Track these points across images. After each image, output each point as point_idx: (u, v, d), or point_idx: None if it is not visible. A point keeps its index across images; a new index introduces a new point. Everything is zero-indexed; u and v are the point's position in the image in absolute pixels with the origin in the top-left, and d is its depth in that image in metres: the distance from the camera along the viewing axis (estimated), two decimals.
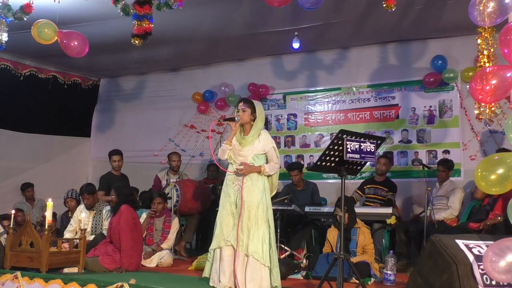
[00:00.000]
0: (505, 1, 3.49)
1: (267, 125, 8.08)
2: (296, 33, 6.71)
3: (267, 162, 4.51)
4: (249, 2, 5.88)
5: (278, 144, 7.95)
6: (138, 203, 6.01)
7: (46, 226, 4.93)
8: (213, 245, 4.47)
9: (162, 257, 5.93)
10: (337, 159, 3.99)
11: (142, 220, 6.10)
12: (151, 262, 5.86)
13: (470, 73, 6.55)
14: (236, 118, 4.46)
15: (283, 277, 4.78)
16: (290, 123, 8.04)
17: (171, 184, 6.72)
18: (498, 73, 3.45)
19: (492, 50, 3.73)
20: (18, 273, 4.80)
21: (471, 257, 3.20)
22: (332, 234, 5.47)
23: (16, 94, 7.98)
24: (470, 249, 3.28)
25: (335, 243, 5.37)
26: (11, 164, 8.20)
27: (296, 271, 5.28)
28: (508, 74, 3.41)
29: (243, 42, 7.34)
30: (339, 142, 3.92)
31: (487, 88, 3.45)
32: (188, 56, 8.12)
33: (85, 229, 5.26)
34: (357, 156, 3.95)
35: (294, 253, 6.02)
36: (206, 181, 7.72)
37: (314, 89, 7.89)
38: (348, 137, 3.91)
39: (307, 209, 6.15)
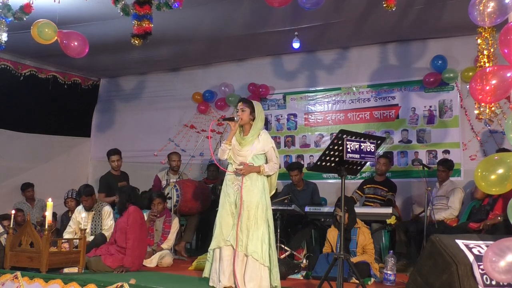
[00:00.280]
0: (505, 1, 3.49)
1: (267, 125, 8.08)
2: (296, 33, 6.71)
3: (266, 162, 4.51)
4: (249, 2, 5.88)
5: (278, 144, 7.96)
6: (142, 200, 6.03)
7: (46, 226, 4.93)
8: (212, 245, 4.48)
9: (163, 257, 5.93)
10: (337, 159, 3.99)
11: None
12: (151, 262, 5.86)
13: (470, 73, 6.55)
14: (235, 118, 4.47)
15: (283, 277, 4.78)
16: (290, 123, 8.04)
17: (171, 184, 6.71)
18: (498, 73, 3.44)
19: (492, 50, 3.73)
20: (18, 273, 4.81)
21: (471, 257, 3.20)
22: (332, 234, 5.47)
23: (16, 94, 7.97)
24: (470, 249, 3.28)
25: (335, 243, 5.37)
26: (11, 164, 8.19)
27: (296, 271, 5.28)
28: (508, 74, 3.41)
29: (243, 42, 7.34)
30: (339, 142, 3.92)
31: (487, 88, 3.45)
32: (188, 56, 8.12)
33: (85, 229, 5.26)
34: (357, 156, 3.95)
35: (294, 253, 6.03)
36: (206, 181, 7.72)
37: (314, 89, 7.89)
38: (348, 137, 3.91)
39: (307, 209, 6.16)
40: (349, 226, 5.30)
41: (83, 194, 5.97)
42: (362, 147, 3.97)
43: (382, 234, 6.04)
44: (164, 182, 7.21)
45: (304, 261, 5.89)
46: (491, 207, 5.38)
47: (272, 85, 8.13)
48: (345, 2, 5.78)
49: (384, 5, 4.55)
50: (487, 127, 6.59)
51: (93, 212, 6.10)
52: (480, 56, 3.77)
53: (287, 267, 5.09)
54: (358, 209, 5.69)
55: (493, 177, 3.31)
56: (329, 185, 7.34)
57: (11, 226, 5.29)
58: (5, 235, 5.45)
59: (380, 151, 7.10)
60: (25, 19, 5.41)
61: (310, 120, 7.89)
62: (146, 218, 6.19)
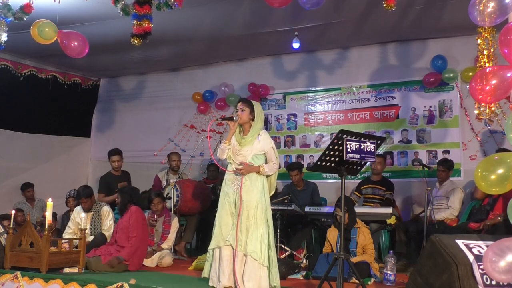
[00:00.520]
0: (505, 1, 3.49)
1: (267, 125, 8.08)
2: (296, 33, 6.71)
3: (266, 162, 4.51)
4: (249, 2, 5.88)
5: (278, 144, 7.96)
6: (143, 200, 6.04)
7: (46, 226, 4.93)
8: (212, 245, 4.48)
9: (163, 257, 5.93)
10: (337, 159, 3.99)
11: None
12: (151, 262, 5.86)
13: (470, 73, 6.55)
14: (234, 118, 4.47)
15: (283, 277, 4.78)
16: (290, 123, 8.04)
17: (171, 184, 6.71)
18: (498, 73, 3.44)
19: (492, 50, 3.73)
20: (18, 273, 4.80)
21: (471, 257, 3.20)
22: (332, 234, 5.47)
23: (16, 94, 7.97)
24: (470, 249, 3.28)
25: (335, 243, 5.37)
26: (11, 164, 8.19)
27: (296, 271, 5.28)
28: (508, 74, 3.41)
29: (243, 42, 7.34)
30: (339, 142, 3.92)
31: (487, 88, 3.45)
32: (188, 56, 8.12)
33: (85, 229, 5.26)
34: (357, 156, 3.95)
35: (294, 253, 6.02)
36: (206, 181, 7.72)
37: (314, 89, 7.89)
38: (348, 137, 3.91)
39: (307, 209, 6.15)
40: (349, 226, 5.30)
41: (82, 196, 5.96)
42: (362, 147, 3.97)
43: (382, 234, 6.04)
44: (164, 182, 7.21)
45: (304, 261, 5.89)
46: (491, 207, 5.38)
47: (272, 85, 8.13)
48: (345, 2, 5.78)
49: (384, 5, 4.55)
50: (487, 127, 6.59)
51: (92, 213, 6.09)
52: (480, 56, 3.77)
53: (287, 267, 5.09)
54: (358, 209, 5.68)
55: (493, 177, 3.31)
56: (329, 185, 7.34)
57: (11, 226, 5.29)
58: (5, 235, 5.44)
59: (380, 151, 7.10)
60: (25, 19, 5.41)
61: (310, 120, 7.89)
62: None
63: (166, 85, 8.96)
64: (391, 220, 5.87)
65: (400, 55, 7.32)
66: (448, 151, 6.91)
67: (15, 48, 6.93)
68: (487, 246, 3.21)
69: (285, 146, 8.03)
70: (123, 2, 5.09)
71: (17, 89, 8.01)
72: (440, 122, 7.04)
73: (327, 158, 3.99)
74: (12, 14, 5.34)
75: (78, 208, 6.06)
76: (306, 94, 7.94)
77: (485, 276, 3.10)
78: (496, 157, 3.45)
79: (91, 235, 6.01)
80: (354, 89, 7.59)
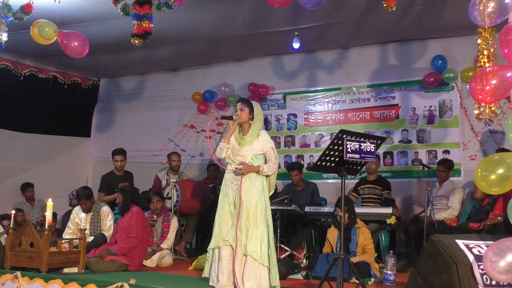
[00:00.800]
0: (505, 1, 3.48)
1: (267, 125, 8.08)
2: (296, 33, 6.71)
3: (265, 162, 4.51)
4: (249, 2, 5.88)
5: (278, 144, 7.96)
6: (144, 201, 6.04)
7: (46, 226, 4.93)
8: (211, 245, 4.48)
9: (163, 257, 5.94)
10: (337, 159, 3.99)
11: None
12: (151, 262, 5.87)
13: (470, 73, 6.55)
14: (234, 117, 4.47)
15: (283, 277, 4.79)
16: (290, 123, 8.04)
17: (171, 184, 6.71)
18: (498, 73, 3.44)
19: (492, 50, 3.73)
20: (18, 273, 4.80)
21: (471, 257, 3.20)
22: (332, 234, 5.47)
23: (16, 94, 7.97)
24: (470, 249, 3.27)
25: (335, 243, 5.37)
26: (11, 164, 8.19)
27: (296, 271, 5.29)
28: (508, 74, 3.41)
29: (243, 42, 7.34)
30: (339, 142, 3.92)
31: (487, 88, 3.45)
32: (188, 56, 8.12)
33: (85, 229, 5.26)
34: (357, 156, 3.95)
35: (294, 253, 6.02)
36: (206, 181, 7.73)
37: (314, 89, 7.89)
38: (348, 137, 3.91)
39: (307, 209, 6.15)
40: (349, 226, 5.30)
41: (82, 198, 5.96)
42: (362, 147, 3.98)
43: (382, 234, 6.04)
44: (164, 182, 7.21)
45: (304, 261, 5.89)
46: (491, 207, 5.38)
47: (272, 85, 8.13)
48: (345, 2, 5.78)
49: (384, 5, 4.55)
50: (487, 127, 6.59)
51: (92, 213, 6.09)
52: (480, 56, 3.77)
53: (287, 267, 5.09)
54: (358, 209, 5.69)
55: (493, 177, 3.31)
56: (329, 185, 7.34)
57: (11, 226, 5.29)
58: (5, 235, 5.44)
59: (380, 151, 7.11)
60: (25, 19, 5.41)
61: (310, 120, 7.89)
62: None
63: (166, 85, 8.96)
64: (391, 220, 5.88)
65: (400, 55, 7.32)
66: (448, 151, 6.91)
67: (15, 48, 6.93)
68: (487, 246, 3.21)
69: (285, 146, 8.03)
70: (123, 2, 5.09)
71: (17, 89, 8.01)
72: (440, 122, 7.04)
73: (327, 158, 3.99)
74: (12, 14, 5.34)
75: (78, 208, 6.05)
76: (306, 94, 7.94)
77: (485, 276, 3.10)
78: (496, 157, 3.45)
79: (90, 235, 6.01)
80: (354, 89, 7.59)
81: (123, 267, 5.33)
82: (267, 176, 4.53)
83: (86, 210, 5.96)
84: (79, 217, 5.70)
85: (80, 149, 9.40)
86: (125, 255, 5.38)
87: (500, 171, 3.29)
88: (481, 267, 3.10)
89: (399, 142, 7.27)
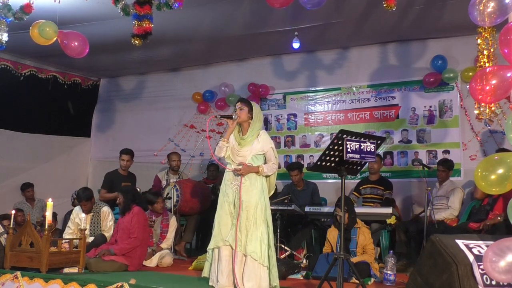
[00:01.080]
0: (505, 1, 3.48)
1: (267, 125, 8.09)
2: (296, 33, 6.71)
3: (265, 162, 4.51)
4: (249, 2, 5.88)
5: (278, 144, 7.96)
6: (145, 202, 6.05)
7: (46, 226, 4.93)
8: (211, 245, 4.48)
9: (163, 257, 5.94)
10: (337, 159, 3.99)
11: None
12: (151, 262, 5.87)
13: (470, 73, 6.55)
14: (233, 116, 4.48)
15: (283, 277, 4.79)
16: (290, 123, 8.04)
17: (171, 184, 6.71)
18: (498, 73, 3.44)
19: (492, 50, 3.72)
20: (18, 273, 4.80)
21: (471, 257, 3.20)
22: (332, 234, 5.47)
23: (16, 94, 7.97)
24: (470, 249, 3.27)
25: (335, 243, 5.37)
26: (11, 164, 8.19)
27: (296, 271, 5.28)
28: (508, 74, 3.41)
29: (243, 42, 7.34)
30: (339, 142, 3.92)
31: (487, 88, 3.45)
32: (188, 56, 8.12)
33: (85, 229, 5.26)
34: (357, 156, 3.95)
35: (294, 253, 6.02)
36: (206, 181, 7.73)
37: (314, 89, 7.89)
38: (348, 137, 3.91)
39: (307, 209, 6.15)
40: (349, 226, 5.30)
41: (83, 199, 5.96)
42: (362, 147, 3.98)
43: (382, 234, 6.04)
44: (164, 182, 7.21)
45: (304, 261, 5.89)
46: (491, 207, 5.38)
47: (272, 85, 8.13)
48: (345, 2, 5.78)
49: (384, 5, 4.55)
50: (487, 127, 6.59)
51: (92, 214, 6.09)
52: (480, 56, 3.77)
53: (287, 267, 5.09)
54: (358, 209, 5.69)
55: (493, 177, 3.31)
56: (329, 185, 7.34)
57: (11, 226, 5.29)
58: (5, 235, 5.44)
59: (380, 151, 7.10)
60: (25, 19, 5.41)
61: (310, 120, 7.89)
62: None
63: (166, 85, 8.96)
64: (391, 220, 5.88)
65: (400, 55, 7.32)
66: (448, 151, 6.91)
67: (15, 48, 6.92)
68: (487, 246, 3.21)
69: (285, 146, 8.03)
70: (123, 2, 5.09)
71: (17, 89, 8.01)
72: (440, 122, 7.04)
73: (327, 158, 3.99)
74: (12, 14, 5.34)
75: (78, 209, 6.05)
76: (306, 94, 7.94)
77: (485, 276, 3.10)
78: (496, 157, 3.45)
79: (90, 235, 6.01)
80: (354, 89, 7.59)
81: (123, 267, 5.33)
82: (267, 176, 4.53)
83: (87, 211, 5.96)
84: (79, 217, 5.70)
85: (80, 149, 9.40)
86: (125, 255, 5.38)
87: (500, 171, 3.29)
88: (481, 267, 3.10)
89: (399, 142, 7.27)
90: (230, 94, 8.32)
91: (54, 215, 7.31)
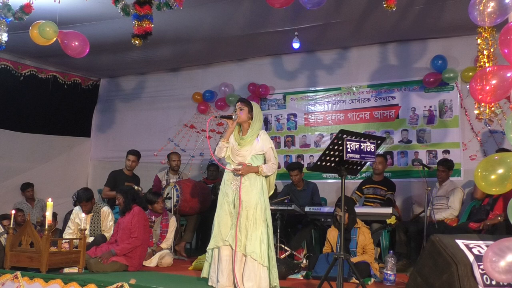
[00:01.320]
0: (505, 1, 3.49)
1: (267, 125, 8.09)
2: (296, 33, 6.70)
3: (265, 162, 4.51)
4: (249, 2, 5.88)
5: (278, 144, 7.96)
6: (145, 202, 6.06)
7: (46, 226, 4.93)
8: (210, 245, 4.48)
9: (162, 257, 5.94)
10: (337, 159, 3.99)
11: None
12: (151, 262, 5.87)
13: (470, 73, 6.55)
14: (233, 116, 4.47)
15: (283, 277, 4.79)
16: (290, 123, 8.04)
17: (171, 184, 6.72)
18: (498, 73, 3.45)
19: (492, 50, 3.72)
20: (18, 273, 4.80)
21: (471, 257, 3.21)
22: (332, 234, 5.47)
23: (16, 94, 7.98)
24: (470, 249, 3.28)
25: (335, 243, 5.37)
26: (11, 164, 8.19)
27: (296, 271, 5.28)
28: (508, 74, 3.41)
29: (243, 42, 7.34)
30: (339, 142, 3.92)
31: (487, 88, 3.45)
32: (188, 56, 8.12)
33: (85, 229, 5.26)
34: (357, 156, 3.95)
35: (294, 253, 6.02)
36: (206, 181, 7.73)
37: (314, 89, 7.89)
38: (348, 137, 3.91)
39: (307, 209, 6.15)
40: (349, 226, 5.29)
41: (83, 200, 5.96)
42: (362, 147, 3.98)
43: (382, 234, 6.04)
44: (164, 182, 7.21)
45: (304, 261, 5.89)
46: (491, 207, 5.38)
47: (272, 85, 8.13)
48: (345, 2, 5.78)
49: (384, 5, 4.55)
50: (487, 127, 6.59)
51: (92, 214, 6.09)
52: (480, 56, 3.76)
53: (287, 267, 5.09)
54: (358, 209, 5.69)
55: (493, 177, 3.31)
56: (329, 185, 7.34)
57: (11, 226, 5.29)
58: (5, 235, 5.45)
59: (380, 151, 7.10)
60: (25, 19, 5.41)
61: (310, 120, 7.89)
62: None
63: (166, 85, 8.96)
64: (391, 220, 5.87)
65: (400, 55, 7.32)
66: (448, 151, 6.91)
67: (15, 48, 6.93)
68: (487, 246, 3.21)
69: (285, 146, 8.03)
70: (123, 2, 5.09)
71: (17, 89, 8.02)
72: (440, 122, 7.04)
73: (327, 158, 3.99)
74: (12, 14, 5.34)
75: (78, 209, 6.05)
76: (306, 94, 7.94)
77: (485, 276, 3.10)
78: (496, 157, 3.45)
79: (90, 235, 6.01)
80: (354, 89, 7.59)
81: (123, 267, 5.33)
82: (266, 176, 4.53)
83: (87, 211, 5.96)
84: (79, 217, 5.70)
85: (80, 149, 9.40)
86: (126, 256, 5.38)
87: (500, 171, 3.29)
88: (481, 267, 3.10)
89: (399, 142, 7.27)
90: (230, 94, 8.33)
91: (54, 215, 7.32)
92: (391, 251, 5.04)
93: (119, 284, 4.28)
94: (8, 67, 7.81)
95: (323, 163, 4.01)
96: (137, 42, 5.22)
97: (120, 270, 5.27)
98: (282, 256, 5.65)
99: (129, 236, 5.43)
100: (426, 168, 6.03)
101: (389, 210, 5.85)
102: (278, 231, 5.78)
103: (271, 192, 4.69)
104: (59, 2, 5.27)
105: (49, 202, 5.03)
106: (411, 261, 5.69)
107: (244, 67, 8.36)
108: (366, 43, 7.46)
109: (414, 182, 7.01)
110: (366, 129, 7.34)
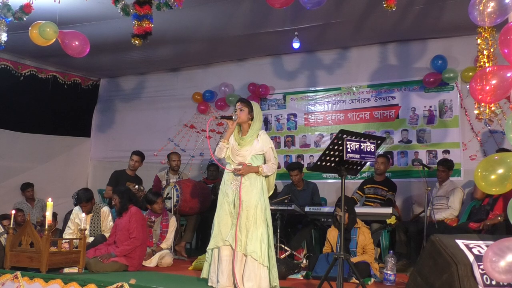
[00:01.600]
0: (505, 1, 3.49)
1: (267, 125, 8.09)
2: (296, 33, 6.71)
3: (265, 162, 4.51)
4: (249, 2, 5.88)
5: (278, 144, 7.96)
6: (141, 202, 6.05)
7: (46, 226, 4.93)
8: (211, 245, 4.48)
9: (162, 257, 5.94)
10: (337, 159, 3.99)
11: None
12: (151, 262, 5.87)
13: (470, 73, 6.55)
14: (233, 117, 4.47)
15: (283, 277, 4.79)
16: (290, 123, 8.04)
17: (171, 184, 6.72)
18: (498, 73, 3.45)
19: (492, 50, 3.72)
20: (18, 273, 4.80)
21: (471, 257, 3.20)
22: (332, 234, 5.47)
23: (16, 94, 7.97)
24: (470, 249, 3.28)
25: (335, 243, 5.37)
26: (11, 164, 8.19)
27: (296, 271, 5.28)
28: (508, 74, 3.41)
29: (243, 42, 7.34)
30: (339, 142, 3.92)
31: (487, 88, 3.45)
32: (188, 56, 8.12)
33: (85, 229, 5.26)
34: (357, 156, 3.95)
35: (294, 253, 6.02)
36: (206, 181, 7.73)
37: (314, 89, 7.89)
38: (348, 137, 3.91)
39: (307, 209, 6.15)
40: (349, 226, 5.29)
41: (83, 200, 5.96)
42: (362, 147, 3.98)
43: (382, 234, 6.04)
44: (164, 182, 7.21)
45: (304, 261, 5.89)
46: (491, 207, 5.38)
47: (272, 85, 8.13)
48: (345, 2, 5.78)
49: (384, 5, 4.54)
50: (487, 127, 6.59)
51: (92, 214, 6.10)
52: (480, 56, 3.76)
53: (287, 267, 5.09)
54: (358, 209, 5.69)
55: (493, 177, 3.31)
56: (329, 185, 7.34)
57: (11, 226, 5.29)
58: (5, 235, 5.44)
59: (380, 151, 7.10)
60: (25, 19, 5.41)
61: (310, 120, 7.89)
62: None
63: (166, 85, 8.96)
64: (391, 220, 5.87)
65: (400, 55, 7.32)
66: (448, 151, 6.91)
67: (15, 48, 6.93)
68: (487, 246, 3.21)
69: (285, 146, 8.03)
70: (123, 2, 5.09)
71: (17, 89, 8.01)
72: (440, 122, 7.03)
73: (327, 158, 3.99)
74: (12, 14, 5.34)
75: (78, 209, 6.05)
76: (306, 94, 7.94)
77: (485, 276, 3.10)
78: (496, 157, 3.45)
79: (90, 235, 6.01)
80: (354, 89, 7.59)
81: (123, 267, 5.33)
82: (266, 176, 4.53)
83: (87, 211, 5.97)
84: (79, 218, 5.70)
85: (80, 149, 9.40)
86: (126, 256, 5.38)
87: (500, 171, 3.29)
88: (481, 267, 3.10)
89: (399, 142, 7.27)
90: (230, 94, 8.32)
91: (54, 215, 7.32)
92: (391, 251, 5.04)
93: (119, 284, 4.28)
94: (8, 67, 7.81)
95: (323, 163, 4.01)
96: (137, 42, 5.22)
97: (120, 270, 5.27)
98: (282, 256, 5.65)
99: (128, 237, 5.43)
100: (426, 168, 6.03)
101: (389, 210, 5.85)
102: (278, 231, 5.78)
103: (271, 192, 4.69)
104: (59, 2, 5.27)
105: (49, 202, 5.03)
106: (411, 261, 5.69)
107: (244, 67, 8.36)
108: (366, 43, 7.46)
109: (414, 182, 7.01)
110: (366, 129, 7.34)
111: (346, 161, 3.98)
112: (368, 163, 5.68)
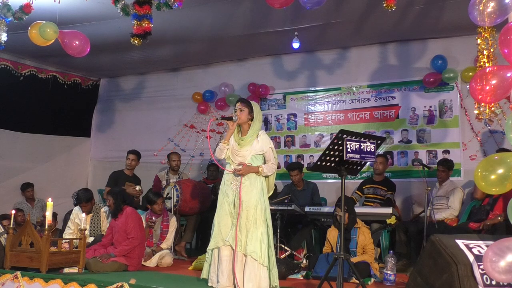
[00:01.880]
0: (505, 1, 3.49)
1: (267, 125, 8.09)
2: (296, 33, 6.71)
3: (264, 162, 4.51)
4: (249, 2, 5.88)
5: (278, 144, 7.96)
6: (135, 202, 6.04)
7: (46, 226, 4.93)
8: (211, 245, 4.47)
9: (162, 257, 5.94)
10: (337, 159, 3.99)
11: None
12: (151, 262, 5.87)
13: (470, 73, 6.55)
14: (234, 118, 4.47)
15: (283, 277, 4.79)
16: (290, 123, 8.04)
17: (171, 184, 6.72)
18: (498, 73, 3.45)
19: (492, 50, 3.72)
20: (18, 273, 4.80)
21: (471, 257, 3.20)
22: (332, 234, 5.47)
23: (16, 94, 7.97)
24: (470, 249, 3.28)
25: (335, 243, 5.37)
26: (11, 164, 8.20)
27: (296, 271, 5.28)
28: (508, 74, 3.41)
29: (243, 42, 7.34)
30: (339, 142, 3.92)
31: (487, 88, 3.45)
32: (188, 56, 8.12)
33: (85, 229, 5.26)
34: (357, 156, 3.95)
35: (294, 253, 6.02)
36: (206, 181, 7.73)
37: (314, 89, 7.89)
38: (348, 137, 3.92)
39: (307, 209, 6.15)
40: (349, 226, 5.29)
41: (83, 201, 5.97)
42: (362, 147, 3.98)
43: (382, 234, 6.04)
44: (164, 182, 7.21)
45: (304, 261, 5.89)
46: (491, 207, 5.38)
47: (272, 85, 8.13)
48: (345, 2, 5.78)
49: (384, 5, 4.54)
50: (487, 127, 6.59)
51: (92, 214, 6.10)
52: (480, 56, 3.77)
53: (287, 267, 5.09)
54: (358, 209, 5.69)
55: (493, 177, 3.31)
56: (329, 185, 7.34)
57: (11, 226, 5.29)
58: (5, 235, 5.45)
59: (380, 151, 7.10)
60: (25, 19, 5.41)
61: (310, 120, 7.89)
62: (145, 226, 6.18)
63: (166, 85, 8.96)
64: (391, 220, 5.87)
65: (400, 55, 7.32)
66: (448, 151, 6.91)
67: (15, 48, 6.93)
68: (487, 246, 3.21)
69: (285, 146, 8.03)
70: (123, 2, 5.09)
71: (17, 89, 8.02)
72: (440, 122, 7.03)
73: (327, 158, 3.99)
74: (12, 14, 5.34)
75: (78, 209, 6.06)
76: (306, 94, 7.94)
77: (485, 276, 3.10)
78: (496, 157, 3.45)
79: (90, 236, 6.01)
80: (354, 89, 7.59)
81: (123, 267, 5.33)
82: (266, 176, 4.53)
83: (87, 212, 5.97)
84: (79, 218, 5.70)
85: (80, 149, 9.40)
86: (125, 256, 5.38)
87: (500, 171, 3.29)
88: (481, 267, 3.10)
89: (399, 142, 7.27)
90: (230, 94, 8.32)
91: (54, 215, 7.32)
92: (391, 251, 5.05)
93: (119, 284, 4.28)
94: (8, 67, 7.81)
95: (323, 163, 4.01)
96: (136, 42, 5.22)
97: (120, 270, 5.27)
98: (282, 256, 5.65)
99: (126, 238, 5.42)
100: (426, 168, 6.03)
101: (389, 210, 5.85)
102: (278, 231, 5.78)
103: (271, 192, 4.69)
104: (59, 2, 5.27)
105: (49, 202, 5.03)
106: (411, 261, 5.69)
107: (244, 67, 8.36)
108: (366, 43, 7.46)
109: (414, 182, 7.01)
110: (366, 129, 7.34)
111: (346, 161, 3.98)
112: (368, 163, 5.68)
